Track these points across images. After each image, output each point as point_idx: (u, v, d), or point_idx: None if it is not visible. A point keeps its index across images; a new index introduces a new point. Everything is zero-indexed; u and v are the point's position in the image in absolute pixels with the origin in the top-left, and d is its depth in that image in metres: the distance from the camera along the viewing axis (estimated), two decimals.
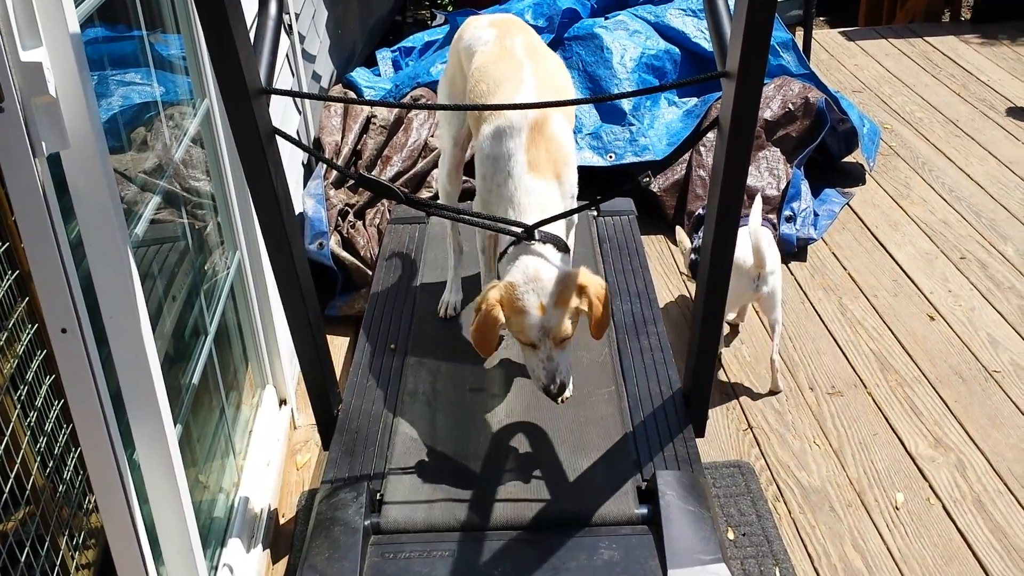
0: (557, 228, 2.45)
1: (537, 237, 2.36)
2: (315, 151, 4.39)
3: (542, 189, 2.44)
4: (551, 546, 2.24)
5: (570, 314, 2.31)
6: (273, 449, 3.21)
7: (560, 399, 2.57)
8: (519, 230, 2.35)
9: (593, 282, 2.36)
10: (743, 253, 3.33)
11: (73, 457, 2.11)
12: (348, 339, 4.00)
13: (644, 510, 2.31)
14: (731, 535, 2.94)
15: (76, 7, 1.84)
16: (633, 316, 3.07)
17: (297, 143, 2.36)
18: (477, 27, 2.93)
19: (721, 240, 2.32)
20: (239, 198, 3.06)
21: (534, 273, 2.31)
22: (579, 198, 2.69)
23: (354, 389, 2.78)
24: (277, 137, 2.25)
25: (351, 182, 4.44)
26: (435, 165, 4.52)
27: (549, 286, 2.29)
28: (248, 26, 2.17)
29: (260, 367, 3.32)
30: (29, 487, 1.92)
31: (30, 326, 1.99)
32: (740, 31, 1.94)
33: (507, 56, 2.72)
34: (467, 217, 2.49)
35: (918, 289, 4.24)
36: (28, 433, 1.96)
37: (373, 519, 2.31)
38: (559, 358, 2.32)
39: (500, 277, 2.41)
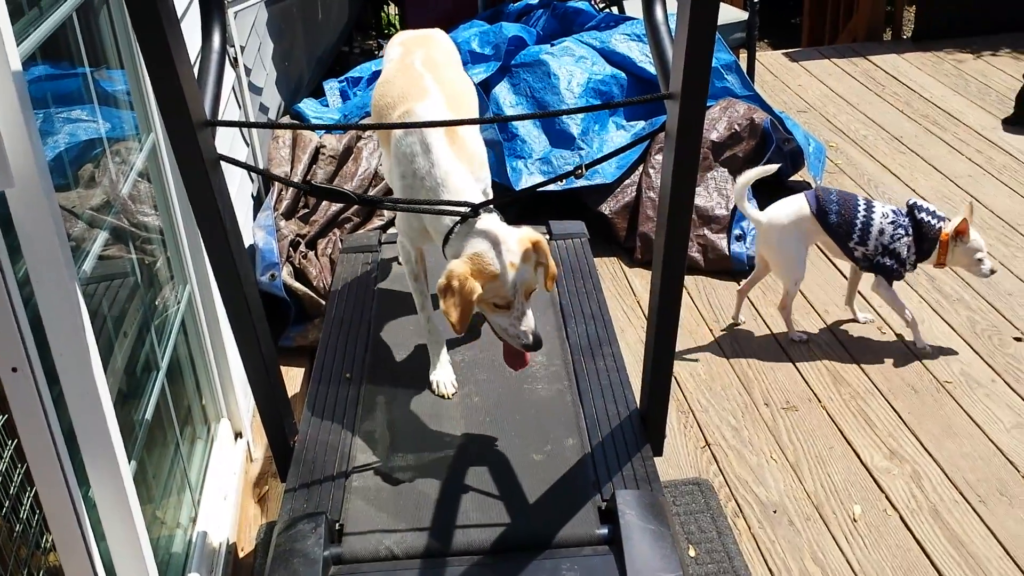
0: None
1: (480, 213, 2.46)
2: (263, 170, 4.38)
3: (465, 174, 2.56)
4: (513, 569, 2.23)
5: (533, 266, 2.44)
6: (230, 483, 3.18)
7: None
8: (466, 210, 2.43)
9: (540, 238, 2.48)
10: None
11: (29, 496, 2.07)
12: (303, 370, 3.97)
13: (605, 530, 2.31)
14: (692, 552, 2.95)
15: (17, 45, 1.83)
16: (588, 338, 3.08)
17: (243, 165, 2.36)
18: (391, 45, 3.10)
19: (671, 261, 2.34)
20: (188, 232, 3.04)
21: (495, 238, 2.41)
22: (531, 222, 2.74)
23: (310, 419, 2.75)
24: (225, 169, 2.24)
25: (301, 212, 4.42)
26: (386, 193, 4.52)
27: (513, 245, 2.40)
28: (192, 60, 2.17)
29: (214, 401, 3.29)
30: None
31: None
32: (682, 53, 1.97)
33: (406, 70, 2.85)
34: (414, 206, 2.57)
35: (868, 303, 4.31)
36: None
37: (333, 550, 2.28)
38: (528, 311, 2.43)
39: (453, 257, 2.47)
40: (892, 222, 3.82)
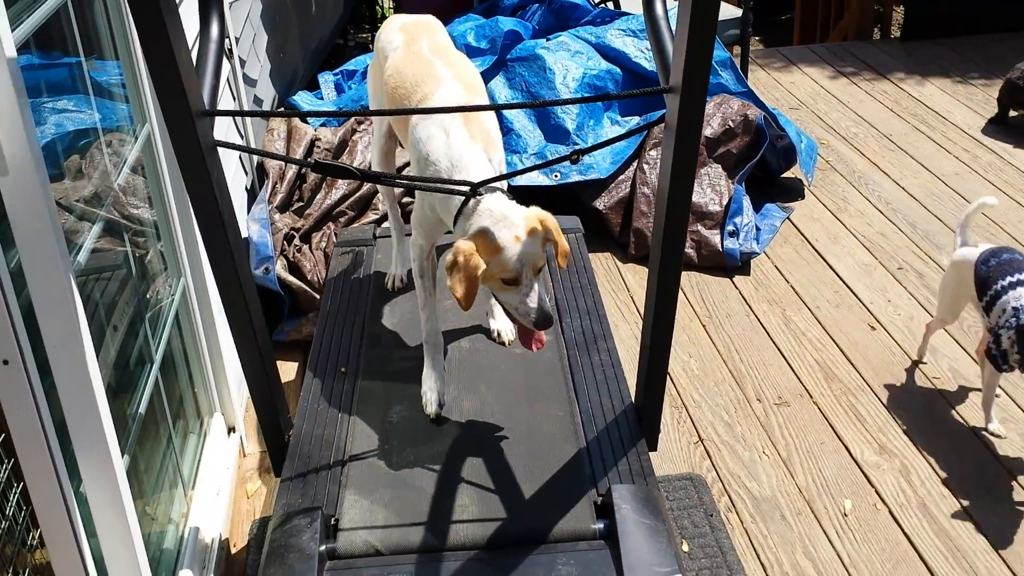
0: None
1: (483, 192, 2.45)
2: (263, 151, 4.37)
3: (480, 154, 2.56)
4: (509, 565, 2.23)
5: (541, 242, 2.43)
6: (223, 478, 3.17)
7: (507, 342, 2.87)
8: (466, 189, 2.42)
9: (548, 215, 2.48)
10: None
11: (15, 493, 2.05)
12: (297, 364, 3.96)
13: (600, 525, 2.32)
14: (685, 547, 2.95)
15: (12, 31, 1.81)
16: (584, 333, 3.08)
17: (242, 147, 2.34)
18: (391, 29, 3.09)
19: (668, 256, 2.34)
20: (183, 224, 3.02)
21: (500, 214, 2.40)
22: None
23: (305, 414, 2.75)
24: (221, 161, 2.23)
25: (296, 206, 4.41)
26: None
27: (518, 220, 2.40)
28: (189, 48, 2.16)
29: (208, 395, 3.28)
30: None
31: None
32: (683, 46, 1.97)
33: (416, 57, 2.86)
34: (415, 183, 2.56)
35: (858, 299, 4.32)
36: None
37: (328, 545, 2.28)
38: (539, 288, 2.41)
39: (462, 236, 2.46)
40: (1016, 307, 3.21)
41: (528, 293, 2.39)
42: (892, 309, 4.23)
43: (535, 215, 2.44)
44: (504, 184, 2.54)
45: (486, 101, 2.88)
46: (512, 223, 2.39)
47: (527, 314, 2.40)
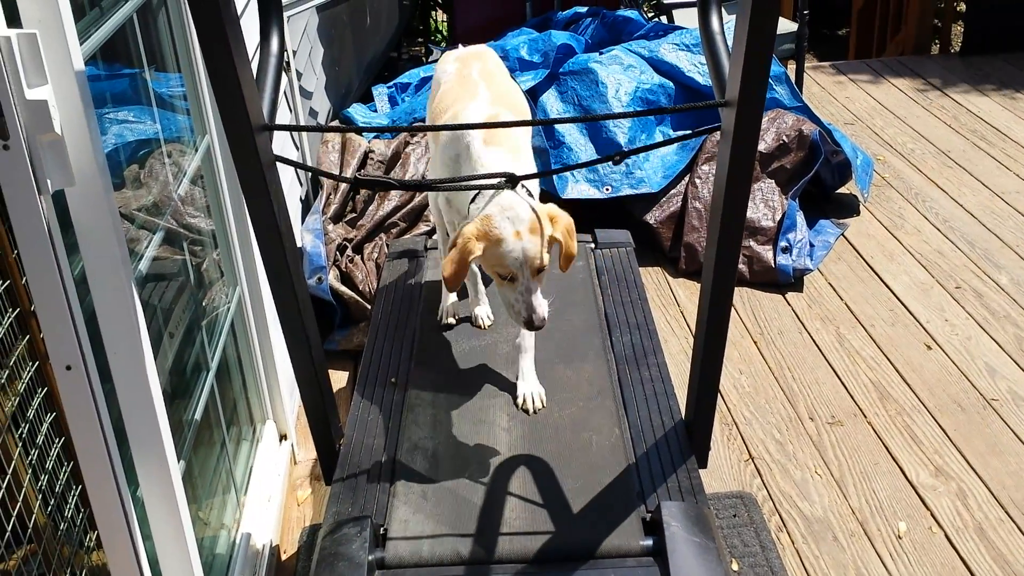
0: None
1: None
2: (313, 167, 4.43)
3: (502, 155, 2.56)
4: None
5: (545, 242, 2.39)
6: (274, 484, 3.20)
7: (533, 410, 2.77)
8: (502, 180, 2.39)
9: (562, 215, 2.46)
10: None
11: (74, 495, 2.09)
12: (347, 373, 3.99)
13: (649, 541, 2.30)
14: (735, 566, 2.92)
15: (80, 45, 1.86)
16: (633, 347, 3.07)
17: (296, 164, 2.37)
18: (446, 61, 3.15)
19: (722, 272, 2.32)
20: (240, 233, 3.07)
21: (509, 205, 2.38)
22: (577, 231, 2.73)
23: (355, 423, 2.77)
24: (278, 171, 2.26)
25: (349, 217, 4.45)
26: None
27: (524, 215, 2.37)
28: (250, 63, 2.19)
29: (260, 402, 3.32)
30: (31, 525, 1.91)
31: (30, 364, 1.99)
32: (740, 61, 1.96)
33: (464, 81, 2.92)
34: (456, 186, 2.51)
35: (915, 318, 4.26)
36: (29, 471, 1.95)
37: (377, 554, 2.29)
38: (536, 289, 2.39)
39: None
40: None
41: (524, 292, 2.37)
42: (949, 329, 4.17)
43: (546, 212, 2.42)
44: (537, 190, 2.57)
45: (516, 116, 2.86)
46: (517, 217, 2.36)
47: (519, 313, 2.40)
